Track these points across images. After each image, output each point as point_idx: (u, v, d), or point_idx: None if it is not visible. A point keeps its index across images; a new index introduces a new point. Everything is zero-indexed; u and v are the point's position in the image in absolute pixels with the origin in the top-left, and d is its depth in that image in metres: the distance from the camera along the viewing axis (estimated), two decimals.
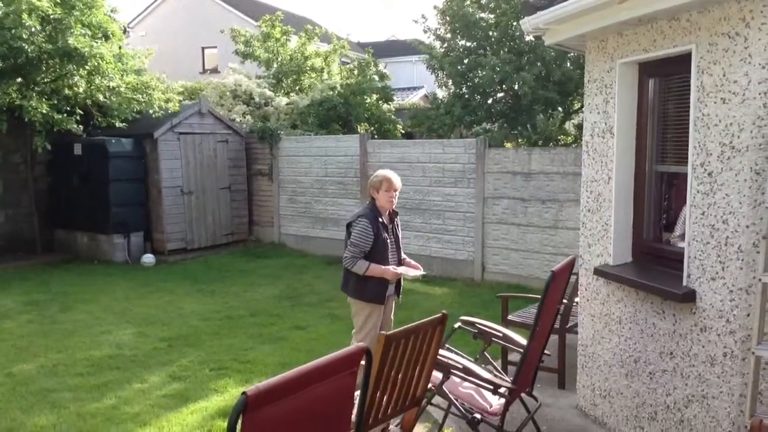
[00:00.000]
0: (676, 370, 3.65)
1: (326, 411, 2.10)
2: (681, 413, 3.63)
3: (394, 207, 4.78)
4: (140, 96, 11.04)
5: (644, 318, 3.90)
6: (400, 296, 4.96)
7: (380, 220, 4.65)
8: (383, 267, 4.58)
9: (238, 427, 1.78)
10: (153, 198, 11.09)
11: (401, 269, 4.71)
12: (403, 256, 4.89)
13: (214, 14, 23.65)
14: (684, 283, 3.54)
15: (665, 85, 4.01)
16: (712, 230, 3.35)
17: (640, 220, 4.18)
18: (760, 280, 2.90)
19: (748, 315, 3.14)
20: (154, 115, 10.92)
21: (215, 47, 23.28)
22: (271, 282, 9.39)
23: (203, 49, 24.65)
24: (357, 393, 2.50)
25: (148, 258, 10.73)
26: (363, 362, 2.31)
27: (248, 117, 12.90)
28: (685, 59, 3.53)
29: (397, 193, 4.73)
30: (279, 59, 14.88)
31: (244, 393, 1.75)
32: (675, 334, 3.64)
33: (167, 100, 11.33)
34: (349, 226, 4.69)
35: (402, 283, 4.94)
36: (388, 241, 4.69)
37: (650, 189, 4.13)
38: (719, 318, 3.31)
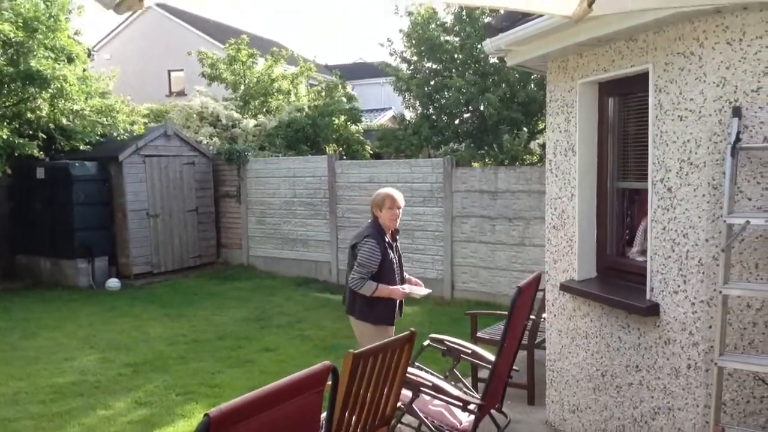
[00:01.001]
0: (642, 383, 3.70)
1: (293, 429, 2.08)
2: (648, 426, 3.67)
3: (397, 224, 4.67)
4: (105, 119, 10.93)
5: (610, 332, 3.96)
6: (402, 314, 4.82)
7: (386, 239, 4.55)
8: (391, 287, 4.48)
9: None
10: (118, 221, 10.93)
11: (408, 288, 4.62)
12: (405, 275, 4.80)
13: (180, 37, 23.56)
14: (647, 297, 3.61)
15: (624, 103, 4.11)
16: (673, 244, 3.42)
17: (603, 236, 4.25)
18: (720, 292, 2.97)
19: (711, 327, 3.21)
20: (118, 138, 10.81)
21: (182, 70, 23.17)
22: (239, 304, 9.29)
23: (169, 71, 24.50)
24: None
25: (113, 282, 10.54)
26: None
27: (215, 139, 12.84)
28: (642, 78, 3.63)
29: (401, 211, 4.63)
30: (246, 81, 14.88)
31: (206, 415, 1.72)
32: (640, 348, 3.70)
33: (132, 123, 11.23)
34: (354, 247, 4.56)
35: (403, 302, 4.81)
36: (394, 261, 4.60)
37: (612, 205, 4.22)
38: (682, 330, 3.37)
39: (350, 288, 4.53)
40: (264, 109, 14.69)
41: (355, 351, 2.86)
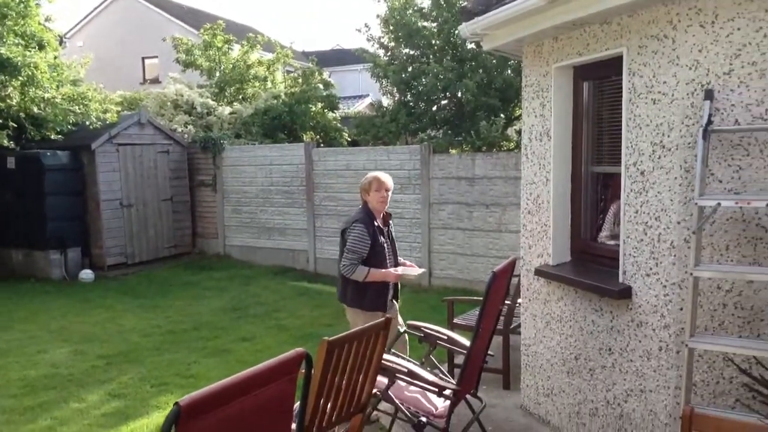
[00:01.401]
0: (615, 366, 3.73)
1: (265, 419, 2.05)
2: (621, 408, 3.70)
3: (386, 208, 4.65)
4: (77, 107, 10.72)
5: (583, 315, 3.98)
6: (399, 300, 4.80)
7: (375, 223, 4.52)
8: (384, 270, 4.45)
9: None
10: (91, 212, 10.76)
11: (402, 270, 4.57)
12: (399, 259, 4.77)
13: (154, 23, 23.18)
14: (620, 280, 3.63)
15: (599, 87, 4.12)
16: (645, 227, 3.44)
17: (577, 221, 4.26)
18: (691, 274, 2.99)
19: (682, 309, 3.23)
20: (91, 127, 10.62)
21: (156, 57, 22.81)
22: (215, 294, 9.21)
23: (143, 58, 24.11)
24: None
25: (87, 274, 10.40)
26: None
27: (190, 127, 12.67)
28: (617, 62, 3.63)
29: (389, 193, 4.59)
30: (221, 68, 14.69)
31: (176, 403, 1.69)
32: (613, 330, 3.72)
33: (105, 111, 11.03)
34: (343, 233, 4.53)
35: (399, 288, 4.78)
36: (385, 245, 4.56)
37: (587, 190, 4.23)
38: (654, 313, 3.40)
39: (341, 275, 4.49)
40: (240, 97, 14.51)
41: (330, 338, 2.83)
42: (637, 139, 3.47)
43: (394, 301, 4.73)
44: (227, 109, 13.27)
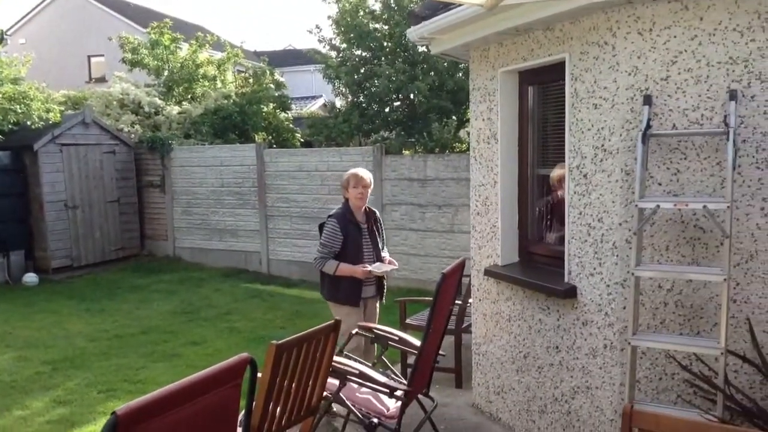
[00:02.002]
0: (562, 364, 3.82)
1: (209, 425, 2.03)
2: (568, 404, 3.79)
3: (366, 204, 4.71)
4: (18, 106, 10.34)
5: (531, 315, 4.06)
6: (384, 298, 4.87)
7: (352, 219, 4.61)
8: (354, 266, 4.52)
9: None
10: (34, 213, 10.43)
11: (372, 266, 4.59)
12: (384, 254, 4.79)
13: (100, 21, 22.61)
14: (565, 280, 3.71)
15: (544, 92, 4.20)
16: (588, 228, 3.53)
17: (524, 222, 4.34)
18: (632, 273, 3.09)
19: (624, 307, 3.33)
20: (33, 126, 10.27)
21: (102, 55, 22.26)
22: (165, 297, 9.04)
23: (89, 57, 23.49)
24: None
25: (31, 277, 10.08)
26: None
27: (137, 127, 12.39)
28: (560, 67, 3.71)
29: (368, 189, 4.67)
30: (169, 67, 14.40)
31: (113, 413, 1.66)
32: (559, 329, 3.81)
33: (47, 111, 10.68)
34: (321, 227, 4.64)
35: (385, 285, 4.84)
36: (363, 240, 4.63)
37: (533, 192, 4.31)
38: (599, 311, 3.49)
39: (315, 268, 4.64)
40: (189, 96, 14.26)
41: (278, 342, 2.82)
42: (579, 142, 3.56)
43: (379, 298, 4.83)
44: (176, 109, 13.03)
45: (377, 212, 4.90)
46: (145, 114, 12.90)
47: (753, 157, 3.02)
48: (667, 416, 2.11)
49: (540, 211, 4.35)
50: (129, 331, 7.35)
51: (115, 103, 13.01)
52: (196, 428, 1.98)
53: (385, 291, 4.87)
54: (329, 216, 4.65)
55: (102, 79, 21.49)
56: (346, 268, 4.51)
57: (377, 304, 4.88)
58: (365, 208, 4.75)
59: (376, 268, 4.59)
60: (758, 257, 3.04)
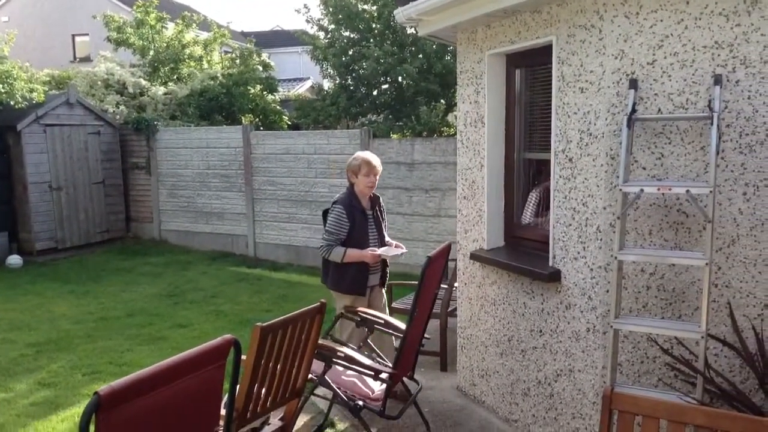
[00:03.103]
0: (545, 347, 3.85)
1: (192, 406, 2.03)
2: (551, 387, 3.83)
3: (373, 191, 4.56)
4: (0, 86, 10.19)
5: (516, 298, 4.08)
6: (384, 285, 4.74)
7: (358, 206, 4.46)
8: (361, 251, 4.39)
9: (93, 428, 1.68)
10: (18, 195, 10.32)
11: (381, 250, 4.45)
12: (387, 239, 4.68)
13: None
14: (550, 264, 3.73)
15: (531, 75, 4.19)
16: (573, 213, 3.54)
17: (510, 206, 4.35)
18: (615, 258, 3.10)
19: (607, 291, 3.35)
20: (16, 106, 10.13)
21: (87, 34, 21.95)
22: (150, 280, 9.00)
23: (74, 36, 23.15)
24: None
25: (15, 259, 9.99)
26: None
27: (122, 107, 12.24)
28: (547, 50, 3.70)
29: (378, 177, 4.51)
30: (155, 47, 14.22)
31: (96, 393, 1.65)
32: (543, 313, 3.83)
33: (31, 90, 10.53)
34: (325, 213, 4.49)
35: (387, 273, 4.72)
36: (369, 227, 4.50)
37: (519, 176, 4.32)
38: (582, 295, 3.51)
39: (322, 257, 4.48)
40: (175, 77, 14.10)
41: (263, 324, 2.82)
42: (566, 126, 3.56)
43: (382, 286, 4.70)
44: (161, 90, 12.88)
45: (381, 197, 4.77)
46: (130, 95, 12.75)
47: (736, 142, 3.04)
48: (646, 398, 2.14)
49: (527, 195, 4.35)
50: (114, 314, 7.32)
51: (99, 83, 12.84)
52: (179, 409, 1.98)
53: (387, 279, 4.74)
54: (334, 202, 4.47)
55: (87, 59, 21.21)
56: (354, 254, 4.35)
57: (382, 292, 4.76)
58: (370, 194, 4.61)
59: (385, 251, 4.47)
60: (740, 242, 3.07)
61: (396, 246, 4.62)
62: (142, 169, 11.73)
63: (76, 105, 10.91)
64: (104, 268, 9.82)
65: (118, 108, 12.21)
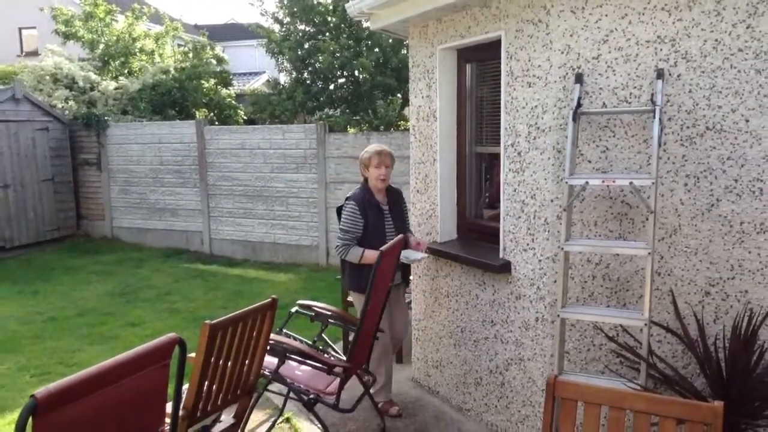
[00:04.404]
0: (497, 337, 3.90)
1: (136, 406, 2.00)
2: (502, 376, 3.89)
3: (387, 184, 4.26)
4: None
5: (468, 290, 4.13)
6: (405, 282, 4.46)
7: (372, 200, 4.19)
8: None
9: None
10: None
11: (403, 254, 4.13)
12: (410, 236, 4.34)
13: None
14: (500, 256, 3.78)
15: (481, 69, 4.23)
16: (522, 205, 3.59)
17: (463, 199, 4.40)
18: (562, 248, 3.16)
19: (555, 281, 3.41)
20: None
21: (34, 27, 21.32)
22: (102, 278, 8.81)
23: (20, 29, 22.44)
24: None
25: None
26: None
27: (71, 103, 11.92)
28: (496, 45, 3.74)
29: (390, 169, 4.22)
30: (104, 40, 13.87)
31: (32, 396, 1.61)
32: (495, 303, 3.89)
33: None
34: (339, 211, 4.26)
35: (411, 269, 4.50)
36: (385, 223, 4.22)
37: (471, 169, 4.36)
38: (531, 286, 3.57)
39: (339, 256, 4.27)
40: (126, 71, 13.79)
41: (212, 321, 2.79)
42: (515, 120, 3.61)
43: (405, 285, 4.47)
44: (112, 84, 12.59)
45: (401, 190, 4.45)
46: (79, 89, 12.42)
47: (678, 134, 3.13)
48: (589, 386, 2.19)
49: (478, 188, 4.40)
50: (64, 314, 7.14)
51: (47, 77, 12.48)
52: (122, 410, 1.95)
53: (411, 277, 4.50)
54: (347, 198, 4.22)
55: (34, 53, 20.57)
56: (372, 255, 3.90)
57: (404, 292, 4.50)
58: (387, 187, 4.32)
59: (406, 256, 4.12)
60: (681, 231, 3.16)
61: (417, 244, 4.22)
62: (92, 165, 11.45)
63: (23, 100, 10.58)
64: (54, 267, 9.57)
65: (67, 103, 11.89)
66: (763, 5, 2.89)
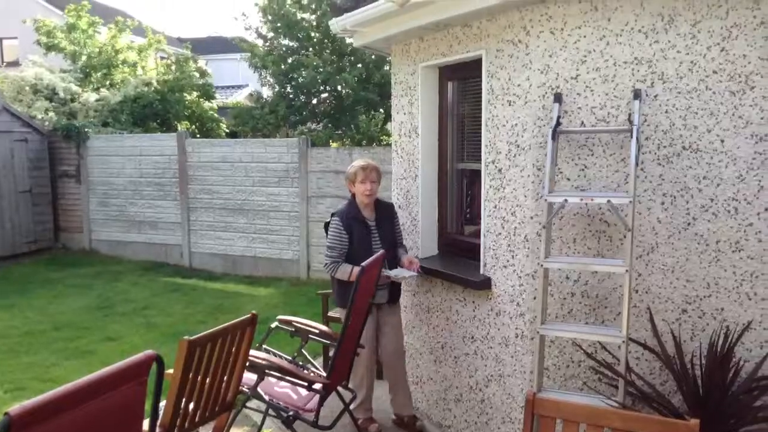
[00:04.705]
0: (477, 353, 3.91)
1: (112, 424, 1.97)
2: (482, 392, 3.89)
3: (373, 199, 4.18)
4: None
5: (449, 306, 4.14)
6: (394, 300, 4.33)
7: (357, 216, 4.13)
8: None
9: None
10: None
11: (393, 272, 4.08)
12: (401, 253, 4.28)
13: (14, 2, 21.41)
14: (481, 272, 3.80)
15: (463, 87, 4.28)
16: (503, 222, 3.62)
17: (444, 215, 4.42)
18: (542, 265, 3.19)
19: (535, 298, 3.44)
20: None
21: (15, 38, 21.15)
22: (80, 292, 8.70)
23: (1, 39, 22.27)
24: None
25: None
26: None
27: (51, 114, 11.81)
28: (477, 64, 3.78)
29: (377, 185, 4.14)
30: (87, 52, 13.80)
31: (6, 413, 1.59)
32: (475, 320, 3.90)
33: None
34: (326, 226, 4.21)
35: (401, 287, 4.39)
36: (372, 238, 4.14)
37: (452, 186, 4.39)
38: (511, 302, 3.59)
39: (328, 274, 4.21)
40: (107, 83, 13.72)
41: (191, 338, 2.77)
42: (495, 138, 3.65)
43: (392, 303, 4.32)
44: (93, 96, 12.50)
45: (393, 205, 4.39)
46: (60, 101, 12.32)
47: (655, 153, 3.18)
48: (567, 403, 2.20)
49: (459, 204, 4.43)
50: (40, 328, 7.04)
51: (27, 88, 12.37)
52: (98, 427, 1.92)
53: (400, 296, 4.39)
54: (332, 214, 4.17)
55: (15, 63, 20.41)
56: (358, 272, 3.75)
57: (393, 311, 4.37)
58: (375, 202, 4.24)
59: (395, 274, 4.07)
60: (659, 249, 3.20)
61: (409, 262, 4.16)
62: (71, 177, 11.35)
63: (2, 111, 10.49)
64: (31, 280, 9.44)
65: (47, 114, 11.78)
66: (736, 29, 2.96)
